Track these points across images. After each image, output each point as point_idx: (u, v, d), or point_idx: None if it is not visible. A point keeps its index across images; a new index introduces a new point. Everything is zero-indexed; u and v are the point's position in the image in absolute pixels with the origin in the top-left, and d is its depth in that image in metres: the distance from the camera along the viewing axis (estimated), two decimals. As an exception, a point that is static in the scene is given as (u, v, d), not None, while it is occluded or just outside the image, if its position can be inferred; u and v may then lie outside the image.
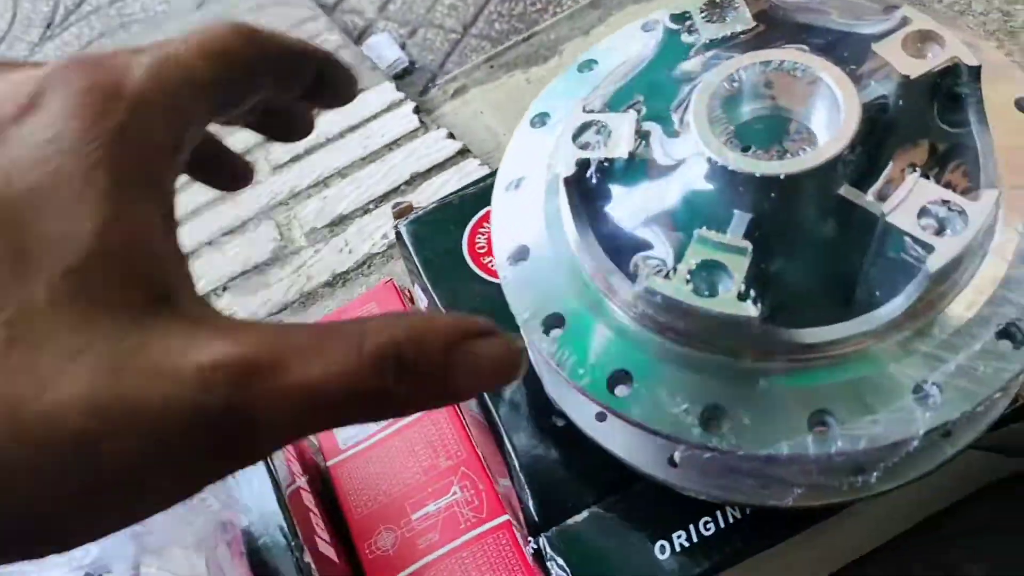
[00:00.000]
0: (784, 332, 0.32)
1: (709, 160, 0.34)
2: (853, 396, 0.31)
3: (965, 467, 0.44)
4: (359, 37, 1.14)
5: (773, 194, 0.33)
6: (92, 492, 0.19)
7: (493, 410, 0.43)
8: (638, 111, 0.38)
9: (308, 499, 0.48)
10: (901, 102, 0.35)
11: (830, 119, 0.35)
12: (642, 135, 0.37)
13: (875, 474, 0.33)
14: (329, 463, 0.53)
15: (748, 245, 0.32)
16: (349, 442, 0.54)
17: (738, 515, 0.38)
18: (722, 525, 0.38)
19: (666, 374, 0.33)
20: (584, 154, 0.37)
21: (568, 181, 0.36)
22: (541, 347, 0.35)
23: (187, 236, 0.87)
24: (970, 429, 0.37)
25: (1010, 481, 0.48)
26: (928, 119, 0.36)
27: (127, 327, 0.20)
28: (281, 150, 0.95)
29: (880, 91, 0.35)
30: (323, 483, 0.53)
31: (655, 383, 0.33)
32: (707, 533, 0.38)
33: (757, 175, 0.33)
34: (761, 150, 0.34)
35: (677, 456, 0.35)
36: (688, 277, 0.31)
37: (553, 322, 0.35)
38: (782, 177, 0.32)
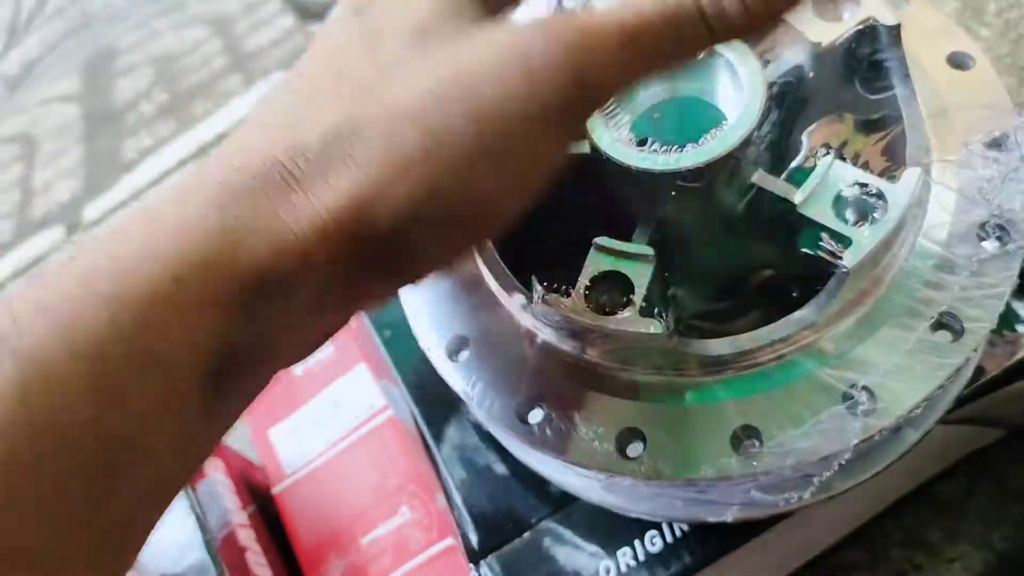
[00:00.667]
0: (697, 345, 0.29)
1: (604, 158, 0.31)
2: (779, 408, 0.28)
3: (940, 442, 0.42)
4: (323, 14, 1.10)
5: (674, 191, 0.30)
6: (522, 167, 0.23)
7: (426, 432, 0.41)
8: None
9: (246, 536, 0.46)
10: (814, 73, 0.32)
11: (737, 98, 0.31)
12: None
13: (811, 489, 0.30)
14: (275, 491, 0.51)
15: (651, 252, 0.29)
16: (294, 466, 0.51)
17: (686, 528, 0.35)
18: (669, 540, 0.35)
19: (579, 397, 0.30)
20: None
21: None
22: (445, 374, 0.32)
23: None
24: (929, 415, 0.34)
25: (986, 452, 0.46)
26: (848, 90, 0.33)
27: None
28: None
29: (793, 62, 0.32)
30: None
31: (568, 408, 0.30)
32: (653, 549, 0.35)
33: (655, 171, 0.29)
34: (662, 142, 0.31)
35: (599, 484, 0.32)
36: (586, 292, 0.28)
37: (458, 346, 0.33)
38: (682, 171, 0.29)
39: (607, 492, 0.33)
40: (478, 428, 0.39)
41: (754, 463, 0.28)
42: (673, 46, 0.23)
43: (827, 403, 0.28)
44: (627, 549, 0.36)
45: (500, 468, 0.39)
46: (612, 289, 0.29)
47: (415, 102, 0.22)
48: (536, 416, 0.30)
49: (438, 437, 0.41)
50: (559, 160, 0.25)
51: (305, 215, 0.22)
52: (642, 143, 0.31)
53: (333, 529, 0.48)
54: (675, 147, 0.30)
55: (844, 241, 0.28)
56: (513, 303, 0.32)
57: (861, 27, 0.31)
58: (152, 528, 0.23)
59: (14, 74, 1.35)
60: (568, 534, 0.37)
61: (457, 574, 0.44)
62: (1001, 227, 0.30)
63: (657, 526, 0.36)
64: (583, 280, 0.29)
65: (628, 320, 0.28)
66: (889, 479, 0.41)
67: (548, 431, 0.30)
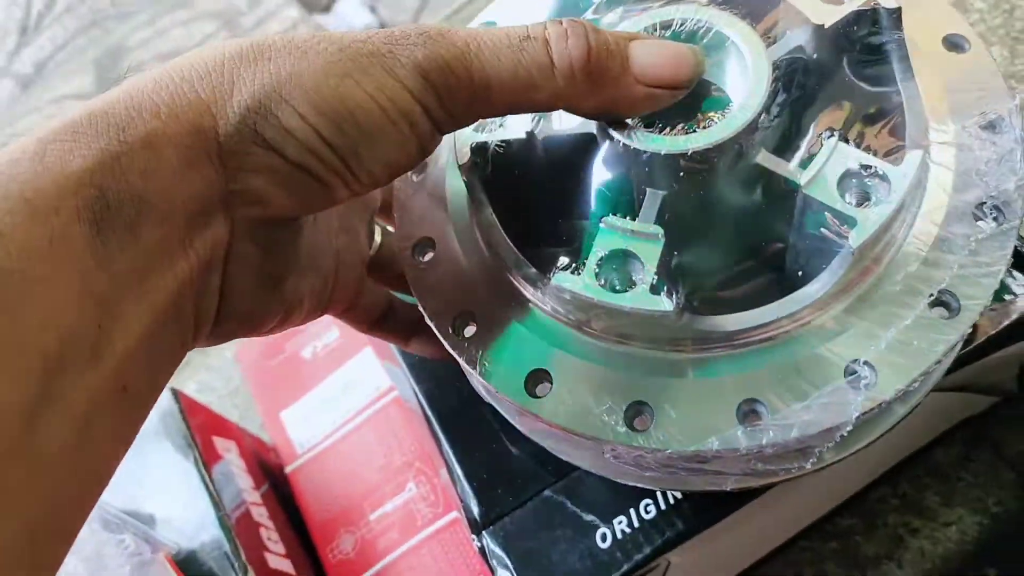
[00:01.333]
0: (706, 321, 0.30)
1: (611, 140, 0.31)
2: (783, 382, 0.29)
3: (934, 410, 0.43)
4: (328, 5, 1.11)
5: (682, 172, 0.30)
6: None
7: (427, 409, 0.42)
8: None
9: (260, 514, 0.47)
10: (816, 55, 0.32)
11: (742, 81, 0.32)
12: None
13: (811, 460, 0.31)
14: (287, 470, 0.52)
15: (659, 231, 0.29)
16: (305, 445, 0.53)
17: (678, 495, 0.36)
18: (663, 507, 0.36)
19: (586, 372, 0.31)
20: (480, 137, 0.34)
21: (465, 169, 0.34)
22: (452, 348, 0.33)
23: None
24: (920, 389, 0.35)
25: (981, 419, 0.47)
26: (848, 72, 0.33)
27: None
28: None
29: (794, 43, 0.32)
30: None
31: (576, 382, 0.30)
32: (648, 516, 0.36)
33: (662, 153, 0.30)
34: (667, 124, 0.31)
35: (606, 455, 0.32)
36: (597, 271, 0.29)
37: (464, 320, 0.33)
38: (689, 153, 0.30)
39: (611, 462, 0.34)
40: (480, 403, 0.40)
41: (760, 436, 0.28)
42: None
43: (830, 378, 0.29)
44: (623, 517, 0.37)
45: (500, 443, 0.40)
46: (622, 267, 0.29)
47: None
48: (544, 390, 0.31)
49: (439, 413, 0.42)
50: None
51: (173, 90, 0.26)
52: (649, 125, 0.31)
53: (343, 506, 0.49)
54: (681, 128, 0.31)
55: (849, 222, 0.28)
56: (523, 277, 0.32)
57: (864, 7, 0.31)
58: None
59: (26, 73, 1.37)
60: (566, 504, 0.38)
61: (461, 545, 0.45)
62: (996, 207, 0.30)
63: (651, 495, 0.37)
64: (593, 258, 0.29)
65: (639, 298, 0.28)
66: (884, 447, 0.41)
67: (558, 406, 0.30)
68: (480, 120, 0.33)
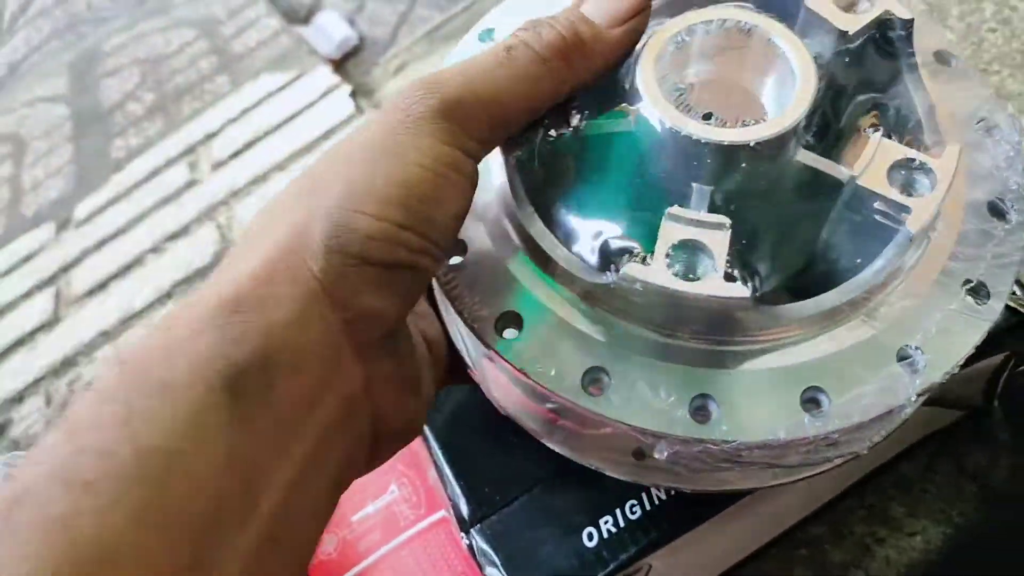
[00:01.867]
0: (775, 309, 0.30)
1: (667, 130, 0.32)
2: (842, 369, 0.30)
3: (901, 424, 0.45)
4: (307, 16, 1.11)
5: (744, 164, 0.31)
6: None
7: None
8: None
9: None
10: (845, 59, 0.34)
11: (780, 82, 0.33)
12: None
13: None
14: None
15: (726, 221, 0.30)
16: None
17: (663, 496, 0.38)
18: (648, 507, 0.38)
19: (644, 366, 0.31)
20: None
21: (510, 166, 0.33)
22: (499, 351, 0.32)
23: (131, 244, 0.86)
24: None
25: (945, 433, 0.49)
26: (865, 76, 0.35)
27: None
28: (221, 146, 0.93)
29: (820, 48, 0.34)
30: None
31: (633, 377, 0.30)
32: (633, 517, 0.38)
33: (725, 144, 0.31)
34: (717, 117, 0.32)
35: (662, 453, 0.31)
36: (668, 261, 0.29)
37: (506, 323, 0.32)
38: (752, 145, 0.31)
39: (648, 466, 0.34)
40: (469, 404, 0.41)
41: (826, 422, 0.29)
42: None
43: (885, 362, 0.30)
44: (608, 517, 0.38)
45: (488, 443, 0.41)
46: (691, 256, 0.29)
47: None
48: (600, 387, 0.30)
49: (428, 414, 0.42)
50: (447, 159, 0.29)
51: (259, 250, 0.27)
52: (707, 117, 0.32)
53: (325, 507, 0.50)
54: (738, 120, 0.32)
55: (905, 210, 0.30)
56: (573, 272, 0.32)
57: (884, 18, 0.34)
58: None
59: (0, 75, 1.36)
60: (553, 503, 0.39)
61: (443, 546, 0.46)
62: (1008, 203, 0.33)
63: (636, 496, 0.38)
64: (661, 248, 0.29)
65: (714, 285, 0.29)
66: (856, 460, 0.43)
67: (618, 401, 0.30)
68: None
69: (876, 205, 0.31)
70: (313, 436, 0.27)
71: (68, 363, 0.75)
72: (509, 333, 0.32)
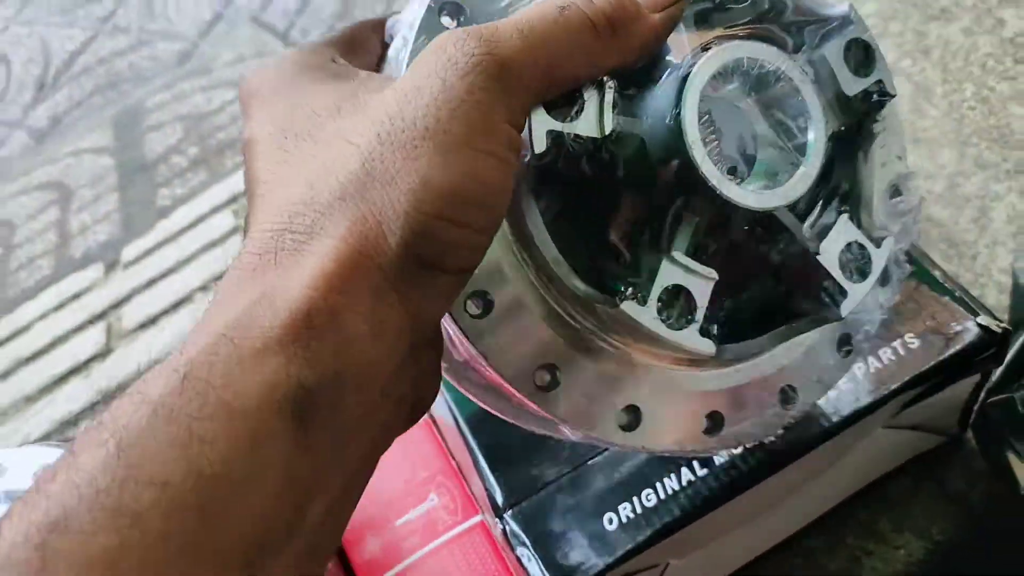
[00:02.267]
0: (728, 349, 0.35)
1: (705, 185, 0.31)
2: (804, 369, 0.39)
3: (889, 446, 0.50)
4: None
5: (747, 226, 0.34)
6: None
7: (456, 413, 0.49)
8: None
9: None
10: (840, 122, 0.35)
11: (791, 126, 0.34)
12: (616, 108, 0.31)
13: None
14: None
15: (714, 275, 0.32)
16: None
17: (676, 487, 0.43)
18: (662, 496, 0.43)
19: (671, 399, 0.36)
20: (556, 125, 0.30)
21: (535, 159, 0.30)
22: (541, 406, 0.34)
23: (180, 283, 0.90)
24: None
25: (929, 456, 0.54)
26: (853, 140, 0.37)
27: None
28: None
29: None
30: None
31: (664, 407, 0.36)
32: (649, 504, 0.43)
33: (755, 207, 0.32)
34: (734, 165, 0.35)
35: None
36: (659, 304, 0.31)
37: (543, 373, 0.34)
38: (770, 209, 0.33)
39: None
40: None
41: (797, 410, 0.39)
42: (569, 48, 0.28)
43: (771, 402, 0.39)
44: (627, 503, 0.43)
45: (518, 436, 0.41)
46: (678, 302, 0.32)
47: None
48: (635, 423, 0.36)
49: (466, 417, 0.48)
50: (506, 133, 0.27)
51: (324, 252, 0.25)
52: (732, 171, 0.34)
53: (370, 513, 0.55)
54: (748, 178, 0.35)
55: (843, 292, 0.34)
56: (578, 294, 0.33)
57: (875, 88, 0.35)
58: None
59: (41, 126, 1.41)
60: (578, 490, 0.44)
61: (478, 549, 0.51)
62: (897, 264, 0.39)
63: (651, 485, 0.43)
64: (656, 292, 0.31)
65: (689, 337, 0.32)
66: (845, 477, 0.49)
67: (639, 426, 0.36)
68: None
69: (825, 283, 0.35)
70: (368, 442, 0.26)
71: (122, 388, 0.79)
72: (540, 376, 0.34)
